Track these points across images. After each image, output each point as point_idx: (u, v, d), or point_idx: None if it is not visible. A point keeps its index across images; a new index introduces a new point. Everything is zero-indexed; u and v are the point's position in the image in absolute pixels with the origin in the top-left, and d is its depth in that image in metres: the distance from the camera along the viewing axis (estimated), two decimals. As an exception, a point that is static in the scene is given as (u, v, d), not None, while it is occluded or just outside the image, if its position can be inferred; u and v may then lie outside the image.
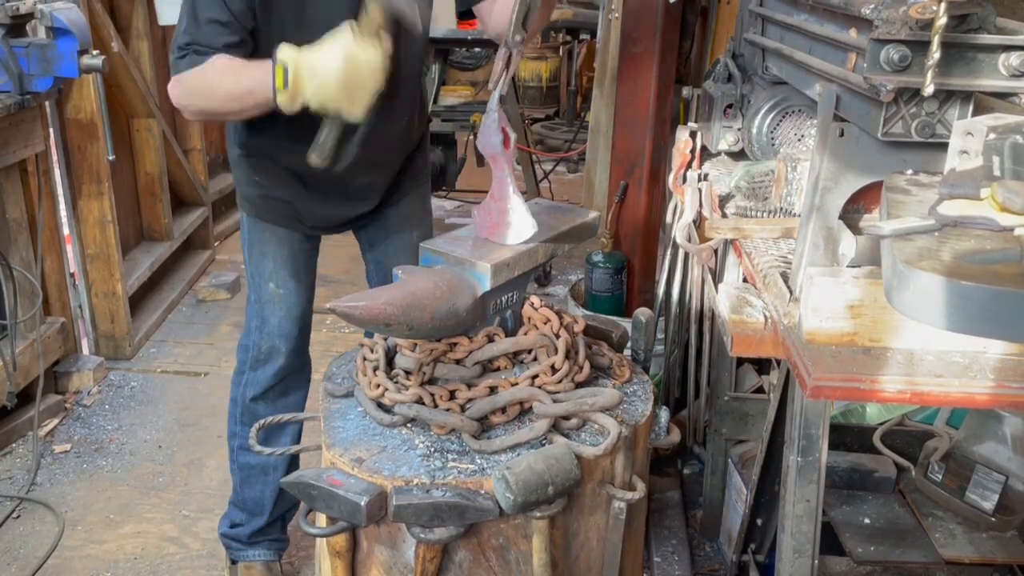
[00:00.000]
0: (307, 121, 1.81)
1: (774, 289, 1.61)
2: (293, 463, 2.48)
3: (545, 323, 1.61)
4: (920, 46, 1.30)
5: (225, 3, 1.85)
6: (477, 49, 7.29)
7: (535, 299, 1.66)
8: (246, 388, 2.40)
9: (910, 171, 1.46)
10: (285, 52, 1.71)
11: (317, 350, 2.52)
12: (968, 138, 1.29)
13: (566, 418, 1.50)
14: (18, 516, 2.87)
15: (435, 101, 4.95)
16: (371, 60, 1.68)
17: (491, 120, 1.61)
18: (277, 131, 2.06)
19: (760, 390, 2.80)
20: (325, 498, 1.38)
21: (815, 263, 1.51)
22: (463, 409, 1.51)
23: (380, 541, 1.47)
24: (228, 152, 2.30)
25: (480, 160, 5.62)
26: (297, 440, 2.45)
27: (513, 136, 1.62)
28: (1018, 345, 1.41)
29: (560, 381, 1.55)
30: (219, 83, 1.85)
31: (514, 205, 1.62)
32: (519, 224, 1.63)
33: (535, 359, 1.60)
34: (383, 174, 2.26)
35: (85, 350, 3.79)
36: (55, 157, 3.55)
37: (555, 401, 1.51)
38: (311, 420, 1.70)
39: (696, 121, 2.29)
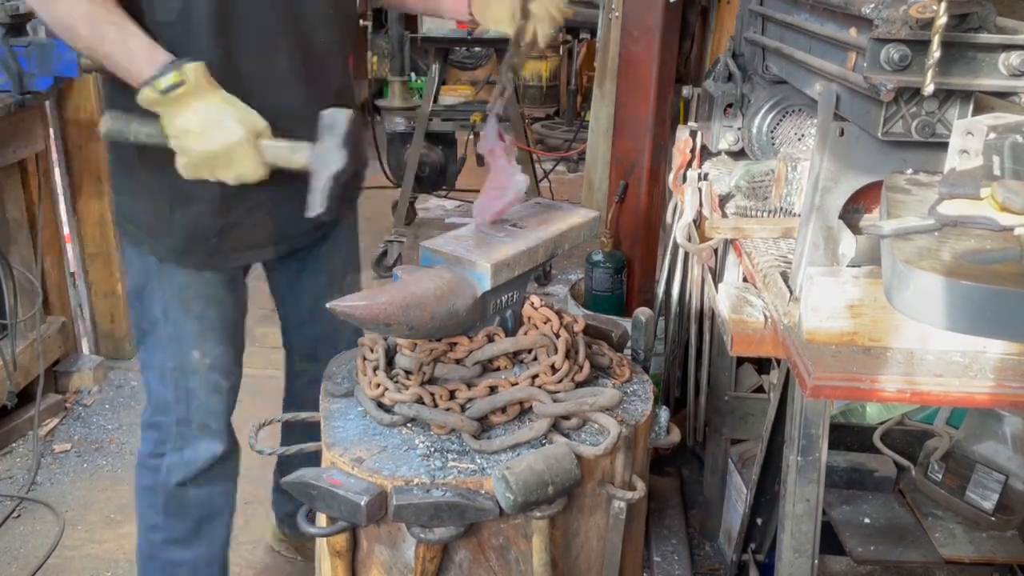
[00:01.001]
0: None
1: (774, 289, 1.61)
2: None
3: (545, 323, 1.61)
4: (920, 45, 1.30)
5: None
6: (477, 49, 7.29)
7: (535, 299, 1.66)
8: (170, 473, 1.98)
9: (910, 170, 1.46)
10: (195, 75, 1.51)
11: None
12: (968, 137, 1.29)
13: (566, 418, 1.50)
14: (18, 515, 2.87)
15: (435, 100, 4.95)
16: (241, 168, 1.57)
17: (490, 129, 1.68)
18: None
19: (760, 390, 2.80)
20: (325, 498, 1.38)
21: (815, 263, 1.51)
22: (463, 409, 1.51)
23: (380, 541, 1.47)
24: (113, 165, 1.83)
25: (480, 160, 5.63)
26: (229, 498, 2.11)
27: (509, 137, 1.69)
28: (1018, 345, 1.41)
29: (560, 381, 1.55)
30: (90, 29, 1.53)
31: (512, 167, 1.67)
32: (518, 182, 1.66)
33: (535, 359, 1.60)
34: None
35: (85, 349, 3.79)
36: (55, 157, 3.55)
37: (555, 401, 1.51)
38: (311, 420, 1.70)
39: (696, 121, 2.28)
